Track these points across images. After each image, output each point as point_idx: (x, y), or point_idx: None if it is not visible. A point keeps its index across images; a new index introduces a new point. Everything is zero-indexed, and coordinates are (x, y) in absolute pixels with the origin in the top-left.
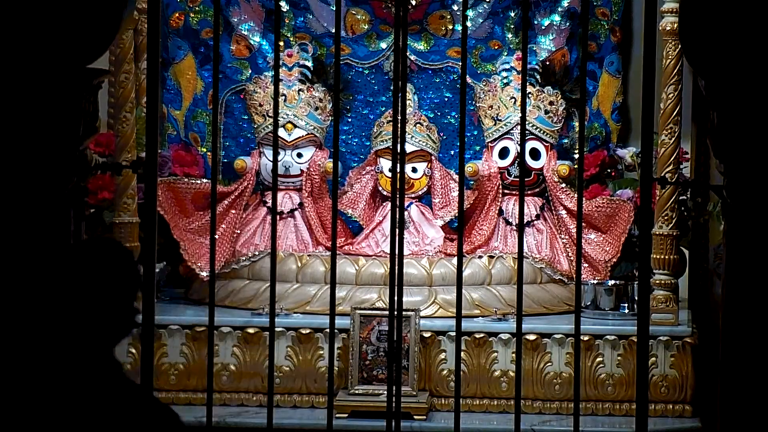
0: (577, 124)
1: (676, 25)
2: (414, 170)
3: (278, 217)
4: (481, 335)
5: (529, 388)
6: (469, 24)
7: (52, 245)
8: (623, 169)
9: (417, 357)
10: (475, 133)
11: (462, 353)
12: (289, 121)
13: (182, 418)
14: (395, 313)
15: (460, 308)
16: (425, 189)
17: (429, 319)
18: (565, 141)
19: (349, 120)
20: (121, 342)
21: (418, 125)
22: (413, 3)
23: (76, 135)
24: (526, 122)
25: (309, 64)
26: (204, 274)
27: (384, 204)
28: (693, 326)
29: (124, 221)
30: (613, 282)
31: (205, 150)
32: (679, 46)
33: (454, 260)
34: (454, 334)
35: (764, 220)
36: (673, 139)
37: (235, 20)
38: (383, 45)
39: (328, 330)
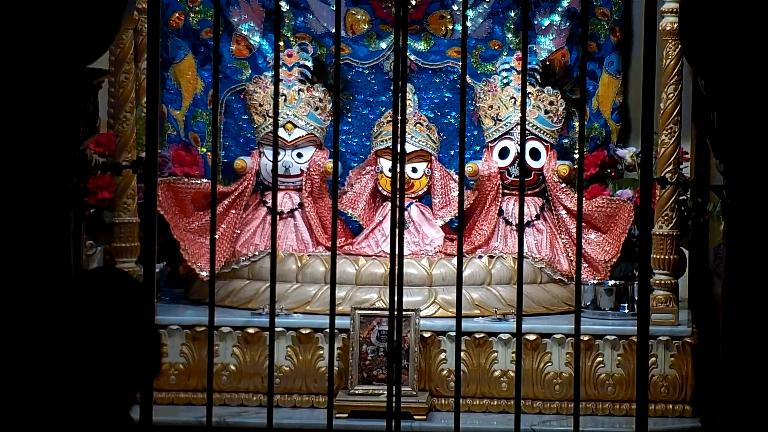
0: (577, 124)
1: (676, 25)
2: (414, 170)
3: (278, 217)
4: (481, 335)
5: (529, 388)
6: (469, 24)
7: (52, 246)
8: (623, 169)
9: (417, 357)
10: (475, 133)
11: (462, 353)
12: (289, 121)
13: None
14: (395, 313)
15: (460, 308)
16: (425, 189)
17: (429, 319)
18: (565, 141)
19: (349, 120)
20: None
21: (418, 125)
22: (413, 3)
23: (76, 135)
24: (526, 122)
25: (309, 64)
26: (204, 274)
27: (384, 204)
28: (693, 326)
29: (124, 221)
30: (613, 282)
31: (205, 150)
32: (679, 46)
33: (454, 260)
34: (454, 334)
35: (764, 220)
36: (673, 139)
37: (235, 20)
38: (383, 45)
39: (328, 330)
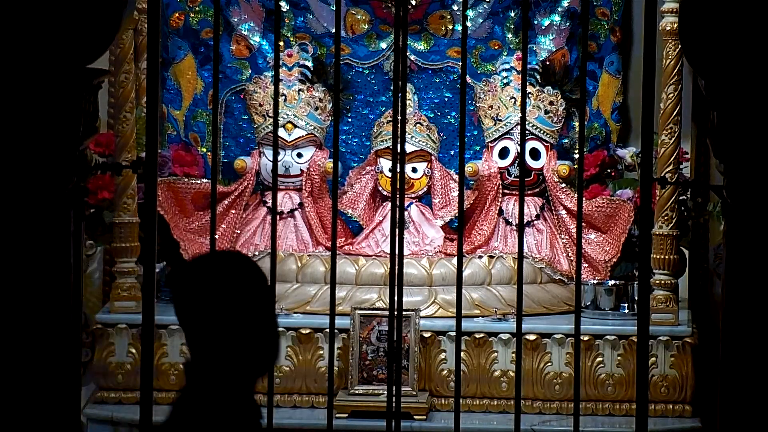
0: (577, 124)
1: (676, 25)
2: (414, 170)
3: (278, 217)
4: (481, 335)
5: (529, 388)
6: (469, 24)
7: (52, 246)
8: (623, 169)
9: (417, 357)
10: (475, 133)
11: (462, 353)
12: (289, 121)
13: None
14: (395, 313)
15: (460, 308)
16: (425, 189)
17: (429, 319)
18: (565, 141)
19: (349, 120)
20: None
21: (418, 125)
22: (413, 3)
23: (76, 135)
24: (526, 122)
25: (309, 64)
26: None
27: (384, 204)
28: (693, 326)
29: (124, 221)
30: (613, 282)
31: (205, 150)
32: (679, 46)
33: (454, 260)
34: (454, 334)
35: (764, 220)
36: (673, 139)
37: (235, 20)
38: (383, 45)
39: (328, 330)
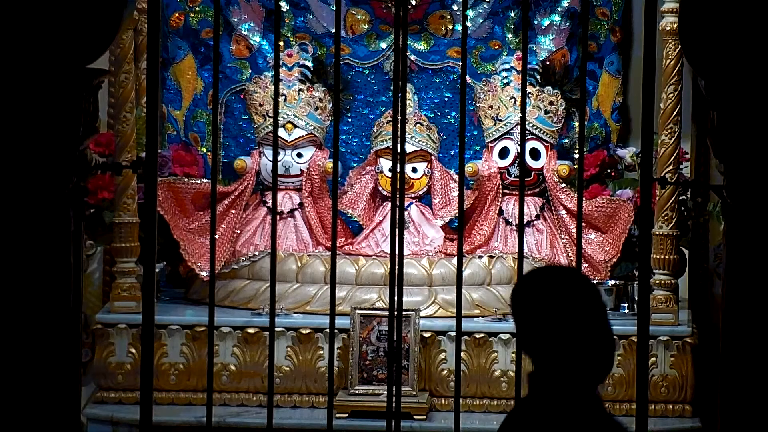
0: (577, 124)
1: (676, 25)
2: (414, 170)
3: (278, 217)
4: (481, 335)
5: None
6: (469, 24)
7: (52, 246)
8: (623, 169)
9: (417, 357)
10: (475, 133)
11: (462, 353)
12: (289, 121)
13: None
14: (395, 313)
15: (460, 308)
16: (425, 189)
17: (429, 319)
18: (565, 141)
19: (349, 120)
20: None
21: (418, 125)
22: (413, 3)
23: (76, 135)
24: (526, 122)
25: (309, 64)
26: (204, 274)
27: (384, 204)
28: (693, 326)
29: (124, 221)
30: (613, 282)
31: (205, 150)
32: (679, 46)
33: (454, 260)
34: (454, 334)
35: (764, 220)
36: (673, 139)
37: (235, 20)
38: (383, 45)
39: (328, 330)
